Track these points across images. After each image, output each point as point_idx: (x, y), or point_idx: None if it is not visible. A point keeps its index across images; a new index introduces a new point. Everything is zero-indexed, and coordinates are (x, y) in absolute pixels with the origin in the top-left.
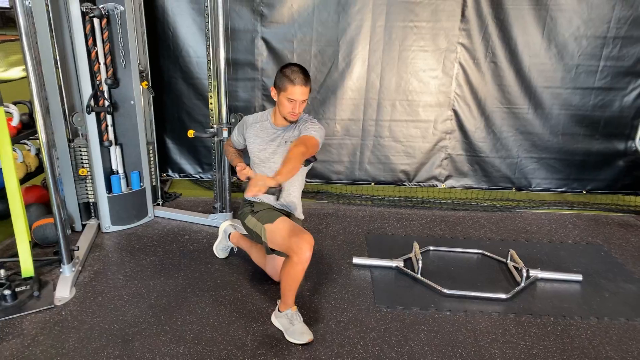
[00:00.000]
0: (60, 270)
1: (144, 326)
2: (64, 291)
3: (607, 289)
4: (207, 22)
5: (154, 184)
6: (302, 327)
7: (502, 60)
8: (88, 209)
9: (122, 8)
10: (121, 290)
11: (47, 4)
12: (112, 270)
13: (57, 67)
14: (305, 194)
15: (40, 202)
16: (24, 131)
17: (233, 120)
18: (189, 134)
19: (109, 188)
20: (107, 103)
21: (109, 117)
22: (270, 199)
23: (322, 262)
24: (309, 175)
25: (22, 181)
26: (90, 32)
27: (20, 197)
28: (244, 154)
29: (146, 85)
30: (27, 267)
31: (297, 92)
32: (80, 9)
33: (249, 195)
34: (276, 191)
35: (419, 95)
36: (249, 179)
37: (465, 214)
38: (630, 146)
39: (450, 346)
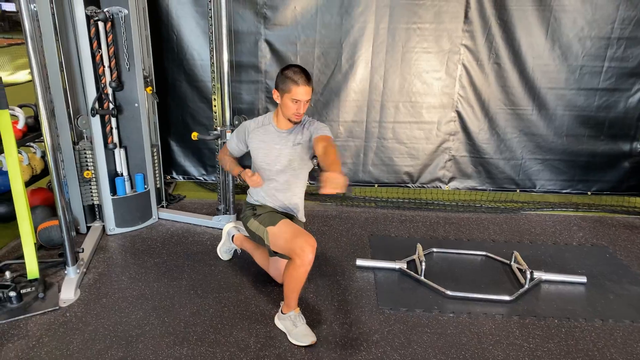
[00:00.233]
0: (65, 272)
1: (147, 328)
2: (68, 293)
3: (612, 291)
4: (211, 25)
5: (158, 186)
6: (305, 329)
7: (506, 61)
8: (93, 211)
9: (126, 11)
10: (125, 292)
11: (52, 8)
12: (116, 272)
13: (62, 70)
14: (309, 195)
15: (45, 205)
16: (29, 134)
17: (236, 122)
18: (192, 137)
19: (113, 190)
20: (111, 106)
21: (113, 120)
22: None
23: (325, 264)
24: (312, 177)
25: (28, 183)
26: (95, 36)
27: (25, 199)
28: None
29: (150, 90)
30: (32, 269)
31: (301, 92)
32: (85, 13)
33: (326, 192)
34: (349, 188)
35: (423, 96)
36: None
37: (469, 215)
38: (635, 147)
39: (454, 348)
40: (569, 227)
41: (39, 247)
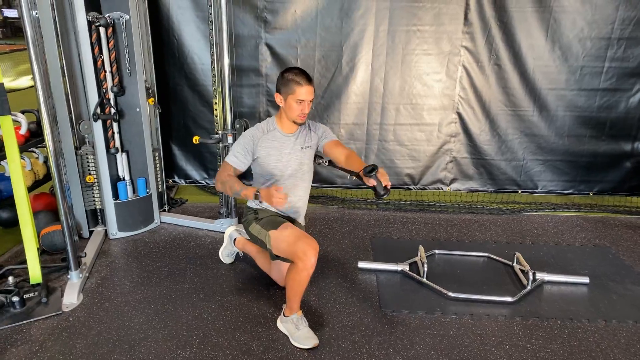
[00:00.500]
0: (68, 276)
1: (150, 332)
2: (71, 297)
3: (614, 292)
4: (211, 29)
5: (160, 190)
6: (308, 331)
7: (506, 62)
8: (95, 216)
9: (127, 17)
10: (128, 296)
11: (53, 14)
12: (119, 277)
13: (63, 76)
14: (311, 198)
15: (48, 210)
16: (32, 139)
17: (238, 126)
18: (194, 140)
19: (115, 195)
20: (113, 111)
21: (115, 125)
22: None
23: (327, 267)
24: (314, 179)
25: (31, 189)
26: (97, 41)
27: (28, 204)
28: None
29: (153, 101)
30: (35, 274)
31: (305, 92)
32: (87, 18)
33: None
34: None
35: (423, 98)
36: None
37: (471, 217)
38: (637, 147)
39: (456, 350)
40: (571, 228)
41: (42, 252)
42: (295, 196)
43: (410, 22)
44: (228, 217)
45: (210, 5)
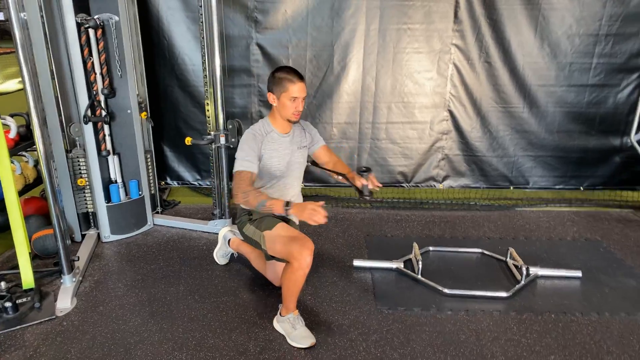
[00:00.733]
0: (61, 281)
1: (146, 334)
2: (65, 302)
3: (607, 285)
4: (202, 29)
5: (152, 192)
6: (305, 331)
7: (496, 60)
8: (87, 219)
9: (116, 18)
10: (122, 299)
11: (42, 16)
12: (112, 280)
13: (53, 79)
14: (304, 197)
15: (39, 214)
16: (21, 143)
17: (230, 126)
18: (186, 142)
19: (107, 197)
20: (104, 113)
21: (106, 127)
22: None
23: (322, 266)
24: (307, 179)
25: (21, 193)
26: (86, 43)
27: (19, 208)
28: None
29: (145, 115)
30: (27, 278)
31: (298, 89)
32: (76, 20)
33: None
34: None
35: (415, 97)
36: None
37: (464, 213)
38: (626, 142)
39: (453, 346)
40: (563, 223)
41: (34, 256)
42: (291, 197)
43: (400, 21)
44: (222, 218)
45: (201, 6)
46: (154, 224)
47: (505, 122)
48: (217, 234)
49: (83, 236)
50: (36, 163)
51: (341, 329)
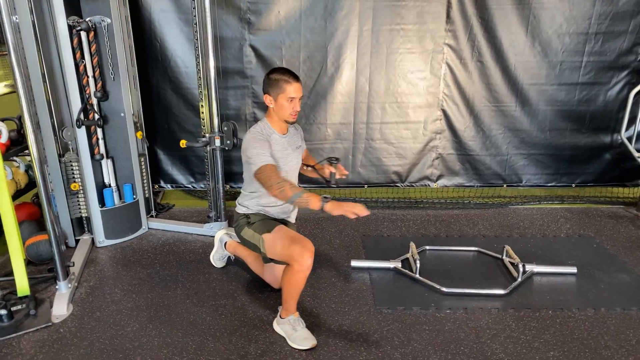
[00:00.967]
0: (56, 287)
1: (144, 340)
2: (61, 308)
3: (602, 280)
4: (196, 31)
5: (147, 195)
6: (305, 332)
7: (488, 59)
8: (81, 224)
9: (109, 20)
10: (119, 304)
11: (32, 19)
12: (108, 285)
13: (44, 82)
14: None
15: (31, 219)
16: (12, 148)
17: (225, 128)
18: (181, 144)
19: (101, 202)
20: (97, 116)
21: (99, 130)
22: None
23: (320, 267)
24: (302, 180)
25: (12, 198)
26: (78, 46)
27: (13, 214)
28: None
29: (141, 135)
30: (22, 285)
31: (295, 89)
32: (67, 23)
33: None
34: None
35: (408, 97)
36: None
37: (459, 212)
38: (616, 139)
39: (453, 344)
40: (556, 220)
41: (27, 262)
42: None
43: (393, 21)
44: (217, 221)
45: (194, 8)
46: (148, 228)
47: (498, 120)
48: (213, 236)
49: (77, 241)
50: (28, 168)
51: (342, 330)
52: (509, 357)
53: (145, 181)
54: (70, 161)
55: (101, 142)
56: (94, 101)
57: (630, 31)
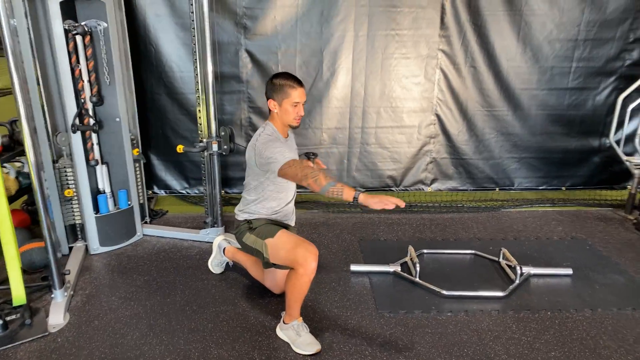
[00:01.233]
0: (52, 296)
1: (146, 348)
2: (57, 317)
3: (596, 281)
4: (194, 36)
5: (141, 202)
6: (309, 337)
7: (481, 64)
8: (74, 231)
9: (105, 24)
10: (117, 312)
11: (27, 23)
12: (105, 293)
13: (38, 87)
14: (295, 203)
15: (21, 227)
16: (5, 154)
17: (223, 133)
18: (178, 150)
19: (96, 208)
20: (92, 121)
21: (94, 136)
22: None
23: (320, 272)
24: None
25: None
26: (73, 50)
27: (10, 221)
28: (264, 172)
29: (137, 152)
30: (18, 294)
31: (299, 94)
32: (63, 27)
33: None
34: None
35: (403, 101)
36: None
37: (453, 215)
38: (604, 143)
39: (456, 347)
40: (549, 222)
41: None
42: (288, 202)
43: (389, 27)
44: (214, 227)
45: (192, 12)
46: (143, 235)
47: (490, 125)
48: (210, 242)
49: (70, 249)
50: (18, 174)
51: (345, 334)
52: (511, 359)
53: (139, 187)
54: (65, 167)
55: (96, 147)
56: (89, 106)
57: (617, 38)
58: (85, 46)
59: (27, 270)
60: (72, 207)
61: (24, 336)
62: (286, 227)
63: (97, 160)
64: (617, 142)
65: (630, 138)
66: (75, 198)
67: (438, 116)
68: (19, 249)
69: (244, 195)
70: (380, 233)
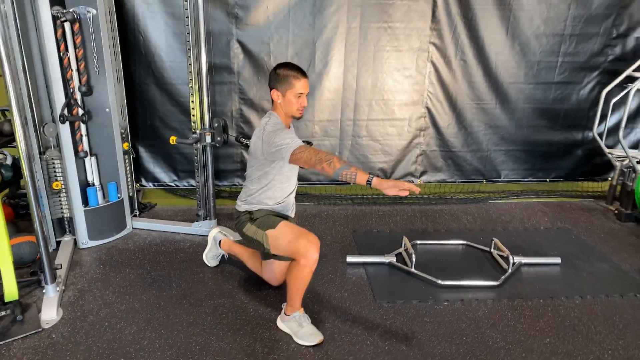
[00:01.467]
0: (44, 291)
1: (145, 342)
2: (50, 313)
3: (584, 269)
4: (187, 25)
5: (130, 194)
6: (312, 328)
7: (471, 58)
8: (62, 225)
9: (94, 11)
10: (113, 307)
11: (13, 9)
12: (98, 287)
13: (25, 76)
14: None
15: (6, 221)
16: None
17: (216, 124)
18: (170, 141)
19: (85, 201)
20: (81, 112)
21: (83, 127)
22: None
23: None
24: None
25: None
26: (62, 38)
27: (2, 215)
28: (270, 163)
29: (127, 146)
30: (11, 290)
31: (303, 85)
32: (51, 13)
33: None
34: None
35: (394, 94)
36: None
37: (442, 207)
38: (587, 136)
39: (456, 335)
40: (535, 213)
41: None
42: (290, 193)
43: (381, 19)
44: (207, 219)
45: (186, 1)
46: (133, 228)
47: (479, 118)
48: (202, 235)
49: (57, 243)
50: None
51: (346, 325)
52: (509, 346)
53: (129, 179)
54: (52, 159)
55: (85, 138)
56: (78, 96)
57: (601, 34)
58: (74, 34)
59: (15, 266)
60: (60, 200)
61: (16, 333)
62: (286, 218)
63: (86, 152)
64: (600, 135)
65: (612, 131)
66: (64, 191)
67: (428, 109)
68: None
69: (247, 186)
70: (372, 224)
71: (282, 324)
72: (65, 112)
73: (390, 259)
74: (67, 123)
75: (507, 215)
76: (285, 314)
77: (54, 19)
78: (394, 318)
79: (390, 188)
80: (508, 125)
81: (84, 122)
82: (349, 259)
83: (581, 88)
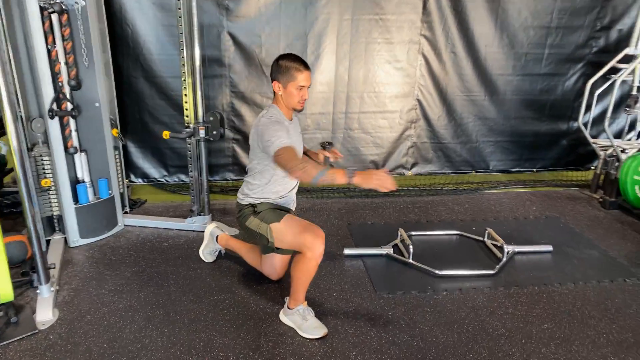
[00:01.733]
0: (37, 291)
1: (147, 340)
2: (45, 314)
3: (574, 256)
4: (180, 17)
5: (121, 191)
6: (316, 321)
7: (461, 50)
8: (51, 223)
9: (83, 3)
10: (110, 305)
11: None
12: (93, 286)
13: (11, 69)
14: None
15: None
16: None
17: (212, 118)
18: (164, 135)
19: (75, 198)
20: (70, 106)
21: (72, 122)
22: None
23: None
24: None
25: None
26: (50, 30)
27: None
28: (266, 158)
29: (116, 132)
30: (6, 291)
31: (305, 77)
32: (38, 4)
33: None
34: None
35: (386, 86)
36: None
37: (433, 198)
38: (572, 126)
39: (456, 324)
40: (523, 203)
41: None
42: (293, 186)
43: (372, 11)
44: (200, 215)
45: None
46: (124, 225)
47: (468, 109)
48: (196, 231)
49: (47, 242)
50: None
51: (348, 317)
52: (509, 332)
53: (119, 175)
54: (41, 155)
55: (74, 134)
56: (67, 90)
57: (586, 26)
58: (62, 25)
59: None
60: (49, 198)
61: (11, 335)
62: (288, 211)
63: (76, 148)
64: (585, 125)
65: (595, 122)
66: (53, 188)
67: (419, 101)
68: None
69: (248, 180)
70: (366, 217)
71: (285, 317)
72: (55, 106)
73: (388, 250)
74: (56, 118)
75: (496, 205)
76: (288, 307)
77: (41, 10)
78: (395, 309)
79: (371, 184)
80: (496, 117)
81: (73, 117)
82: (347, 251)
83: (566, 79)
